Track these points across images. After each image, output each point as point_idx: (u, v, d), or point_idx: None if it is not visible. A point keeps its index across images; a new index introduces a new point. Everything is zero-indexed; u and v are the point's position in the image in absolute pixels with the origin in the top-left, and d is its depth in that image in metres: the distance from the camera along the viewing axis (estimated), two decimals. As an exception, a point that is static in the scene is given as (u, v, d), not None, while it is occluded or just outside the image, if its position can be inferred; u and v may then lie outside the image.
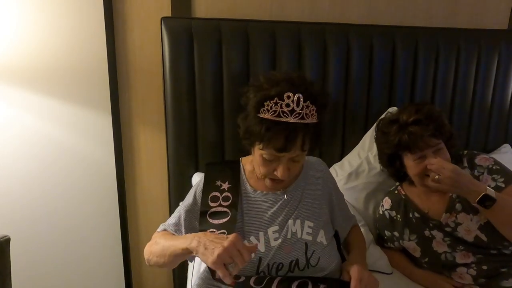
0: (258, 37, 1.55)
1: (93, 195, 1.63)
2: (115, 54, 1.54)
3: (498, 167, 1.31)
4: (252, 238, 1.06)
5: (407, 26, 1.73)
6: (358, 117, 1.70)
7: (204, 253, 0.86)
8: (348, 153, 1.68)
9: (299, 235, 1.06)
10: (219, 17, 1.56)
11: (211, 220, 1.05)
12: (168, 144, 1.59)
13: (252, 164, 1.13)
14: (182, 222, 1.09)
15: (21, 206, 1.56)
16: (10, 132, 1.50)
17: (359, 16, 1.71)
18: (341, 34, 1.62)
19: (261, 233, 1.06)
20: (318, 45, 1.60)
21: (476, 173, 1.32)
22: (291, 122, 0.94)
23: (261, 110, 0.96)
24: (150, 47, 1.57)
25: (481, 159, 1.34)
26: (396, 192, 1.44)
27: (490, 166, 1.31)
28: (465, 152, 1.39)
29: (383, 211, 1.43)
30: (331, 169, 1.58)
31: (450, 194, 1.32)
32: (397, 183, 1.47)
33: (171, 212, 1.66)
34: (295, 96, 0.94)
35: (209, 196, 1.08)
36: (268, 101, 0.95)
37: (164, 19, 1.50)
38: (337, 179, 1.39)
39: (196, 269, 1.24)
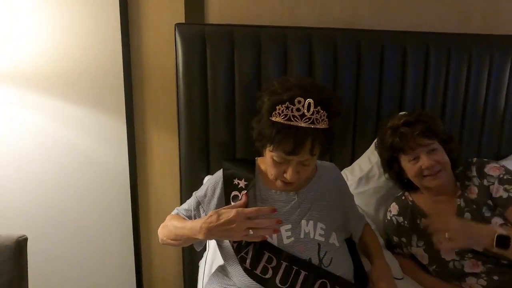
0: (269, 42, 1.57)
1: (107, 197, 1.66)
2: (130, 59, 1.58)
3: (510, 177, 1.29)
4: None
5: (419, 32, 1.73)
6: (368, 122, 1.71)
7: (221, 235, 0.99)
8: (358, 158, 1.68)
9: (311, 236, 1.08)
10: (232, 23, 1.59)
11: None
12: (181, 148, 1.61)
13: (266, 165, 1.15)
14: (192, 211, 1.14)
15: (36, 207, 1.59)
16: (25, 135, 1.54)
17: (370, 21, 1.72)
18: (352, 40, 1.63)
19: None
20: (329, 50, 1.61)
21: (485, 182, 1.31)
22: (301, 126, 0.96)
23: (273, 113, 0.99)
24: (164, 52, 1.60)
25: (491, 168, 1.32)
26: (403, 198, 1.43)
27: (501, 176, 1.29)
28: (474, 160, 1.38)
29: (390, 217, 1.43)
30: (342, 174, 1.58)
31: (458, 203, 1.32)
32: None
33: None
34: (306, 101, 0.96)
35: (231, 197, 1.11)
36: (280, 105, 0.97)
37: (178, 25, 1.53)
38: (348, 184, 1.40)
39: (207, 270, 1.25)
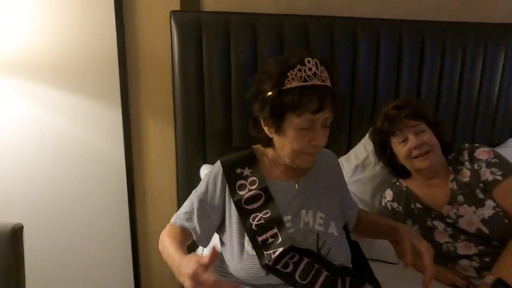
0: (266, 30, 1.56)
1: (103, 186, 1.65)
2: (125, 47, 1.56)
3: (497, 160, 1.31)
4: None
5: (414, 20, 1.73)
6: (364, 110, 1.71)
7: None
8: (354, 146, 1.70)
9: (311, 225, 1.07)
10: (228, 11, 1.57)
11: (249, 207, 1.07)
12: (177, 136, 1.61)
13: (264, 154, 1.15)
14: (195, 211, 1.09)
15: (31, 197, 1.59)
16: (21, 124, 1.52)
17: (367, 9, 1.72)
18: (348, 28, 1.63)
19: None
20: (326, 38, 1.61)
21: (476, 167, 1.33)
22: (318, 84, 0.98)
23: (286, 81, 0.98)
24: (159, 40, 1.59)
25: (480, 153, 1.35)
26: (397, 184, 1.46)
27: (489, 160, 1.32)
28: (466, 145, 1.41)
29: (385, 203, 1.45)
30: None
31: (451, 186, 1.34)
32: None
33: (179, 203, 1.69)
34: (313, 60, 0.98)
35: (236, 186, 1.09)
36: (291, 70, 0.98)
37: (173, 12, 1.51)
38: (343, 172, 1.41)
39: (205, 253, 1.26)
